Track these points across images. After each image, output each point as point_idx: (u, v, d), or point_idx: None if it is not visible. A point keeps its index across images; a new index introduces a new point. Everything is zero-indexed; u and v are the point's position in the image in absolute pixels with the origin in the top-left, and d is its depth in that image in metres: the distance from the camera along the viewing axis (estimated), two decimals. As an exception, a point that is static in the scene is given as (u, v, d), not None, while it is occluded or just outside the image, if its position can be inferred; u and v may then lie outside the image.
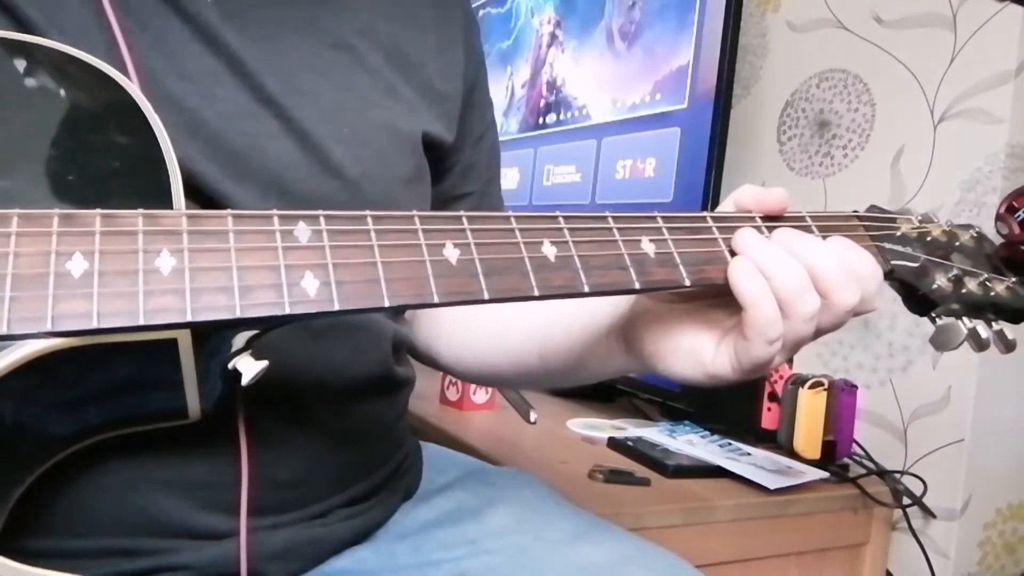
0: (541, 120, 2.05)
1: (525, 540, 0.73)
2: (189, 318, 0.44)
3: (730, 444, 1.43)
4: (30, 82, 0.52)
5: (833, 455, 1.35)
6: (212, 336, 0.49)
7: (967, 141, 1.41)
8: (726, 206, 0.64)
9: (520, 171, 2.10)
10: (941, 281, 0.66)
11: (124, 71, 0.55)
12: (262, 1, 0.68)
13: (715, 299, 0.62)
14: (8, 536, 0.51)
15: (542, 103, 2.05)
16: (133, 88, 0.53)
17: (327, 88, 0.70)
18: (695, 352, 0.61)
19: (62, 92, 0.52)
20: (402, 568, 0.72)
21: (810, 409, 1.34)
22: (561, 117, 1.97)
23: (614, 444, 1.42)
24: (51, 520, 0.58)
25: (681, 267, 0.57)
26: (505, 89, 2.20)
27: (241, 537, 0.64)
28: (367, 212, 0.50)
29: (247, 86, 0.65)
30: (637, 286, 0.55)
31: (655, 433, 1.48)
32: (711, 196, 1.51)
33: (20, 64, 0.52)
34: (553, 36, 2.03)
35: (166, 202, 0.51)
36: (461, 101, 0.83)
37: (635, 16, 1.74)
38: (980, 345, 0.66)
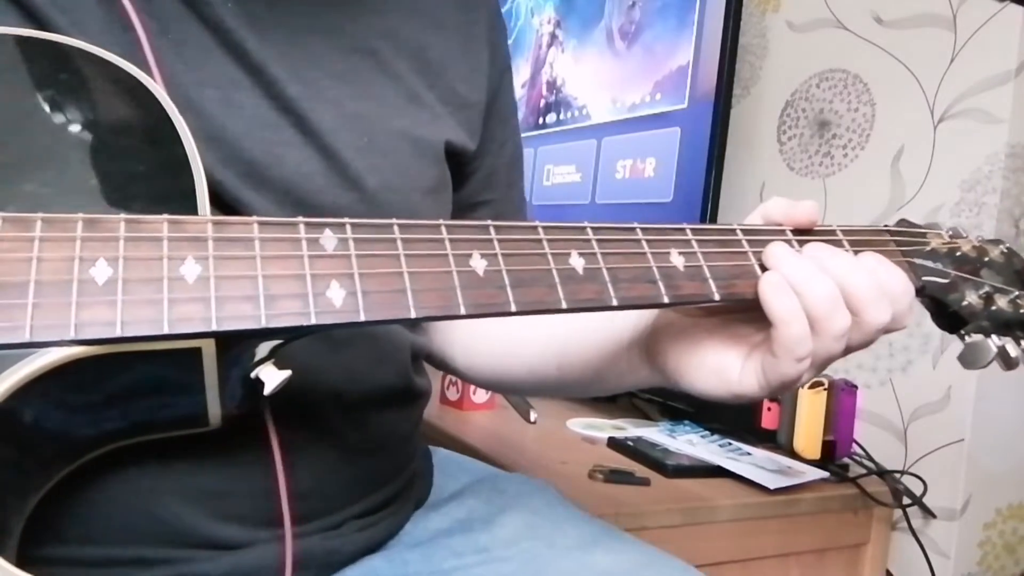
0: (541, 120, 2.05)
1: (537, 547, 0.72)
2: (214, 327, 0.43)
3: (730, 444, 1.43)
4: (54, 83, 0.52)
5: (833, 455, 1.36)
6: (236, 345, 0.49)
7: (967, 141, 1.41)
8: (753, 219, 0.63)
9: (520, 171, 2.09)
10: (971, 298, 0.64)
11: (148, 74, 0.54)
12: (284, 6, 0.67)
13: (742, 314, 0.61)
14: (24, 544, 0.51)
15: (542, 103, 2.05)
16: (159, 90, 0.53)
17: (348, 96, 0.69)
18: (721, 369, 0.60)
19: (86, 94, 0.52)
20: None
21: (810, 409, 1.34)
22: (561, 117, 1.96)
23: (614, 444, 1.42)
24: (67, 528, 0.57)
25: (711, 281, 0.56)
26: (505, 88, 2.20)
27: (287, 543, 0.64)
28: (394, 221, 0.49)
29: (267, 94, 0.64)
30: (666, 300, 0.54)
31: (655, 433, 1.48)
32: (711, 196, 1.51)
33: (45, 65, 0.52)
34: (553, 36, 2.03)
35: (190, 206, 0.51)
36: (484, 107, 0.82)
37: (635, 16, 1.74)
38: (1009, 364, 0.64)
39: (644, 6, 1.72)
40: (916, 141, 1.49)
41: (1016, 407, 1.42)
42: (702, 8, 1.57)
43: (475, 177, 0.84)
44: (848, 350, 0.58)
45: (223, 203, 0.61)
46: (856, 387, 1.38)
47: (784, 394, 0.60)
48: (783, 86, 1.75)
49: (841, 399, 1.36)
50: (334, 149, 0.66)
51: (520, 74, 2.17)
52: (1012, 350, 0.64)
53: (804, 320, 0.55)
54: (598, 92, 1.84)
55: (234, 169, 0.61)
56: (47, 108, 0.51)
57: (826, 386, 1.35)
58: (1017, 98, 1.36)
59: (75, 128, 0.51)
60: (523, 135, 2.11)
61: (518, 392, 0.78)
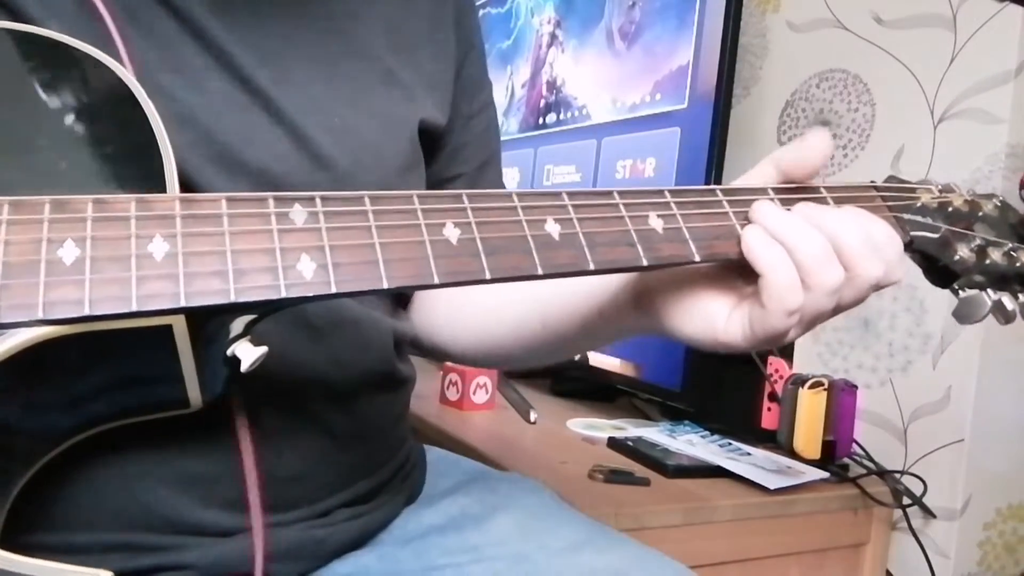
0: (541, 120, 2.04)
1: (528, 548, 0.72)
2: (182, 303, 0.43)
3: (730, 444, 1.43)
4: (23, 70, 0.52)
5: (833, 455, 1.35)
6: (209, 322, 0.48)
7: (967, 141, 1.41)
8: (764, 167, 0.63)
9: (520, 171, 2.09)
10: (964, 252, 0.63)
11: (117, 61, 0.55)
12: None
13: (736, 269, 0.60)
14: (8, 530, 0.51)
15: (542, 103, 2.05)
16: (126, 74, 0.53)
17: (318, 77, 0.69)
18: (708, 316, 0.59)
19: (54, 79, 0.52)
20: (405, 573, 0.71)
21: (810, 409, 1.34)
22: (561, 117, 1.96)
23: (614, 444, 1.42)
24: (51, 514, 0.57)
25: (691, 242, 0.56)
26: (505, 89, 2.19)
27: (255, 533, 0.63)
28: (364, 193, 0.49)
29: (236, 78, 0.64)
30: (645, 263, 0.54)
31: (655, 433, 1.48)
32: (711, 196, 1.50)
33: (13, 52, 0.52)
34: (553, 36, 2.02)
35: (159, 187, 0.50)
36: (451, 84, 0.82)
37: (635, 16, 1.74)
38: (1007, 317, 0.63)
39: (644, 6, 1.72)
40: (916, 141, 1.48)
41: (1016, 407, 1.41)
42: (702, 8, 1.57)
43: (443, 152, 0.84)
44: (838, 309, 0.57)
45: (196, 187, 0.61)
46: (856, 387, 1.37)
47: (768, 348, 0.60)
48: (783, 86, 1.74)
49: (841, 399, 1.35)
50: (304, 131, 0.66)
51: (520, 74, 2.16)
52: (1008, 303, 0.64)
53: (792, 267, 0.55)
54: (598, 92, 1.84)
55: (206, 153, 0.62)
56: (16, 95, 0.51)
57: (826, 386, 1.34)
58: (1017, 98, 1.35)
59: (44, 114, 0.51)
60: (523, 135, 2.12)
61: (501, 359, 0.77)
